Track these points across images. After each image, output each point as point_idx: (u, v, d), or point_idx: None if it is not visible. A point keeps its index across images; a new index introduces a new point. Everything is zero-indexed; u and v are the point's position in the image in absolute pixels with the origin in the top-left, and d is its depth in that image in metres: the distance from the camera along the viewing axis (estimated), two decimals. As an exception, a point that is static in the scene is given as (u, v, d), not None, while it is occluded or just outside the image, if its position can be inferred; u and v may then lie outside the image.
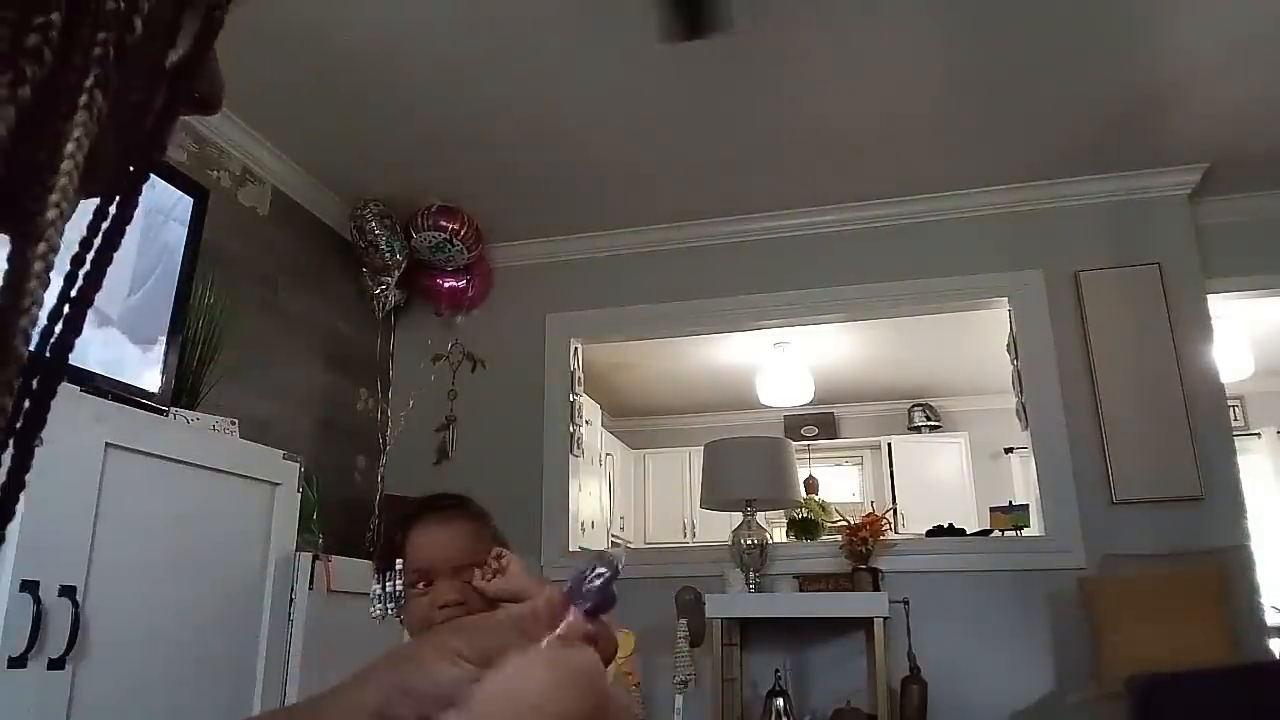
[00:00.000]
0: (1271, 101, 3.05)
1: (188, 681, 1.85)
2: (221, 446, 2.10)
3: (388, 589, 1.23)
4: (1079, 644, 3.08)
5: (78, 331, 0.36)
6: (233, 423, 2.30)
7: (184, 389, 2.36)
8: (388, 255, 3.60)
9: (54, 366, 0.36)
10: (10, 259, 0.30)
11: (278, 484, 2.17)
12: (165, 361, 2.14)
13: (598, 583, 0.42)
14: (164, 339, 2.15)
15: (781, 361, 5.69)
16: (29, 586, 1.48)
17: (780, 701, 3.08)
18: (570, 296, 3.99)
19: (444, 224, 3.61)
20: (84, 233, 0.37)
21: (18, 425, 0.31)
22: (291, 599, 2.16)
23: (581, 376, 4.04)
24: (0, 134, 0.28)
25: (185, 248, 2.21)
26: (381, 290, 3.70)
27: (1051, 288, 3.54)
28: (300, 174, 3.46)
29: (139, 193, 0.39)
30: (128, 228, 0.38)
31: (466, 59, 2.79)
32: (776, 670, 3.17)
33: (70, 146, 0.30)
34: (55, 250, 0.30)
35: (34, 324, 0.29)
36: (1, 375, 0.29)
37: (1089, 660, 3.02)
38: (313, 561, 2.22)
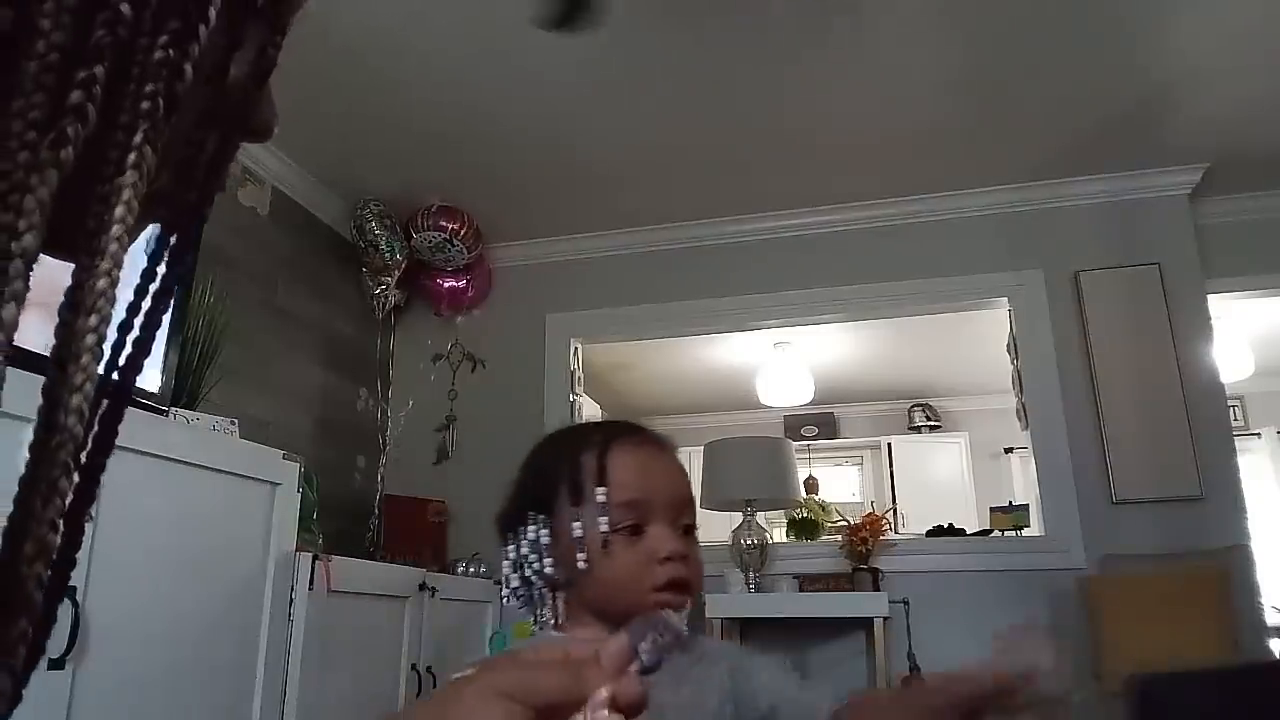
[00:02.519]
0: (1271, 101, 3.05)
1: (188, 681, 1.85)
2: (221, 446, 2.10)
3: (575, 532, 0.85)
4: (1079, 644, 3.08)
5: (128, 398, 0.34)
6: (233, 423, 2.30)
7: (184, 389, 2.36)
8: (388, 255, 3.60)
9: (104, 439, 0.34)
10: (58, 332, 0.28)
11: (278, 484, 2.17)
12: (165, 361, 2.14)
13: (661, 647, 0.38)
14: (164, 339, 2.15)
15: (781, 361, 5.69)
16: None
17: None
18: (570, 296, 3.99)
19: (444, 224, 3.61)
20: (131, 295, 0.34)
21: (68, 502, 0.29)
22: (291, 599, 2.16)
23: (581, 376, 4.04)
24: (42, 198, 0.26)
25: (185, 248, 2.21)
26: (381, 290, 3.70)
27: (1051, 288, 3.54)
28: (300, 174, 3.46)
29: (196, 233, 0.36)
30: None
31: (466, 59, 2.79)
32: (776, 670, 3.16)
33: (120, 210, 0.28)
34: (107, 321, 0.28)
35: (88, 400, 0.28)
36: (57, 455, 0.27)
37: (1089, 660, 3.02)
38: (313, 561, 2.22)
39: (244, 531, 2.08)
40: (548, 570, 0.88)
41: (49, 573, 0.28)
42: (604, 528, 0.86)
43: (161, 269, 0.36)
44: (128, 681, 1.69)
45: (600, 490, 0.86)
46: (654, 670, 0.39)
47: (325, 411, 3.61)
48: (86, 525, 0.31)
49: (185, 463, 1.89)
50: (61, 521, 0.29)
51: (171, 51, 0.30)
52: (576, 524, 0.86)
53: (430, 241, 3.65)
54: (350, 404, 3.79)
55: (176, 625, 1.83)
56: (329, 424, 3.61)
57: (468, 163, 3.40)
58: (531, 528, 0.89)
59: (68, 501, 0.29)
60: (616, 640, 0.39)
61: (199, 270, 2.29)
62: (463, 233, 3.65)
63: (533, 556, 0.89)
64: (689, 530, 0.90)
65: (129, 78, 0.29)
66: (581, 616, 0.89)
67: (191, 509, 1.90)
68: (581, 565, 0.86)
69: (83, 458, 0.32)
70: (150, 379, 2.07)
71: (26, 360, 0.53)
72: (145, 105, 0.29)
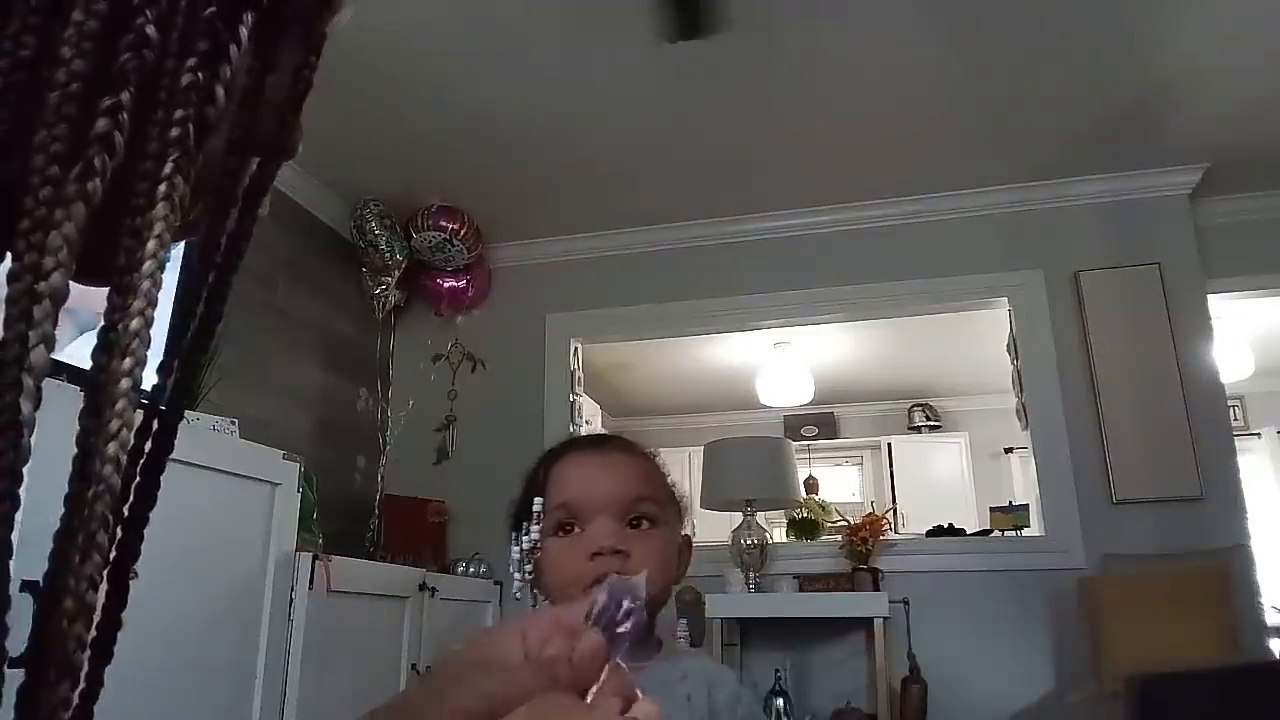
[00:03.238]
0: (1271, 101, 3.05)
1: (188, 682, 1.85)
2: (221, 446, 2.10)
3: (525, 545, 0.92)
4: (1079, 644, 3.08)
5: (171, 444, 0.33)
6: (233, 423, 2.29)
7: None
8: (388, 255, 3.60)
9: (146, 489, 0.32)
10: (91, 375, 0.26)
11: (278, 484, 2.17)
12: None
13: (629, 622, 0.35)
14: (164, 339, 2.15)
15: (781, 361, 5.69)
16: (30, 587, 1.48)
17: (780, 701, 3.08)
18: (570, 296, 3.99)
19: (444, 224, 3.61)
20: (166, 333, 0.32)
21: (111, 558, 0.28)
22: (291, 599, 2.16)
23: (581, 376, 4.04)
24: (69, 234, 0.24)
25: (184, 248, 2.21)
26: (381, 290, 3.70)
27: (1051, 288, 3.54)
28: (300, 174, 3.46)
29: (237, 269, 0.34)
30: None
31: (467, 59, 2.79)
32: (776, 670, 3.17)
33: (152, 245, 0.27)
34: (143, 364, 0.27)
35: (126, 448, 0.27)
36: (94, 508, 0.26)
37: (1089, 660, 3.02)
38: (313, 561, 2.22)
39: (244, 531, 2.08)
40: (523, 581, 0.94)
41: (92, 634, 0.27)
42: (535, 535, 0.92)
43: (200, 307, 0.34)
44: (128, 681, 1.68)
45: (538, 500, 0.93)
46: (625, 639, 0.36)
47: (325, 411, 3.61)
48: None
49: (185, 463, 1.89)
50: (104, 578, 0.27)
51: (201, 74, 0.28)
52: (526, 537, 0.93)
53: (430, 241, 3.65)
54: (350, 404, 3.79)
55: (176, 625, 1.83)
56: (329, 424, 3.61)
57: (468, 163, 3.40)
58: (513, 547, 0.95)
59: (110, 556, 0.27)
60: (589, 639, 0.35)
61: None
62: (463, 233, 3.65)
63: (513, 572, 0.95)
64: (644, 526, 0.91)
65: (157, 104, 0.28)
66: None
67: (191, 509, 1.90)
68: (528, 575, 0.93)
69: (125, 510, 0.30)
70: (149, 379, 2.07)
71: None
72: (175, 132, 0.28)
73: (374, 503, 3.64)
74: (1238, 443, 3.50)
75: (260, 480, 2.13)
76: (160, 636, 1.78)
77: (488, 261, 3.99)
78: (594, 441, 1.00)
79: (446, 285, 3.87)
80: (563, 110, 3.07)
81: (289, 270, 3.45)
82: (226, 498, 2.03)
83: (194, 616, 1.88)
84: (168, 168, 0.27)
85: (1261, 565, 3.11)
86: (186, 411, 2.19)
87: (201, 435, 2.13)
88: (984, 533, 3.69)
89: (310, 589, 2.18)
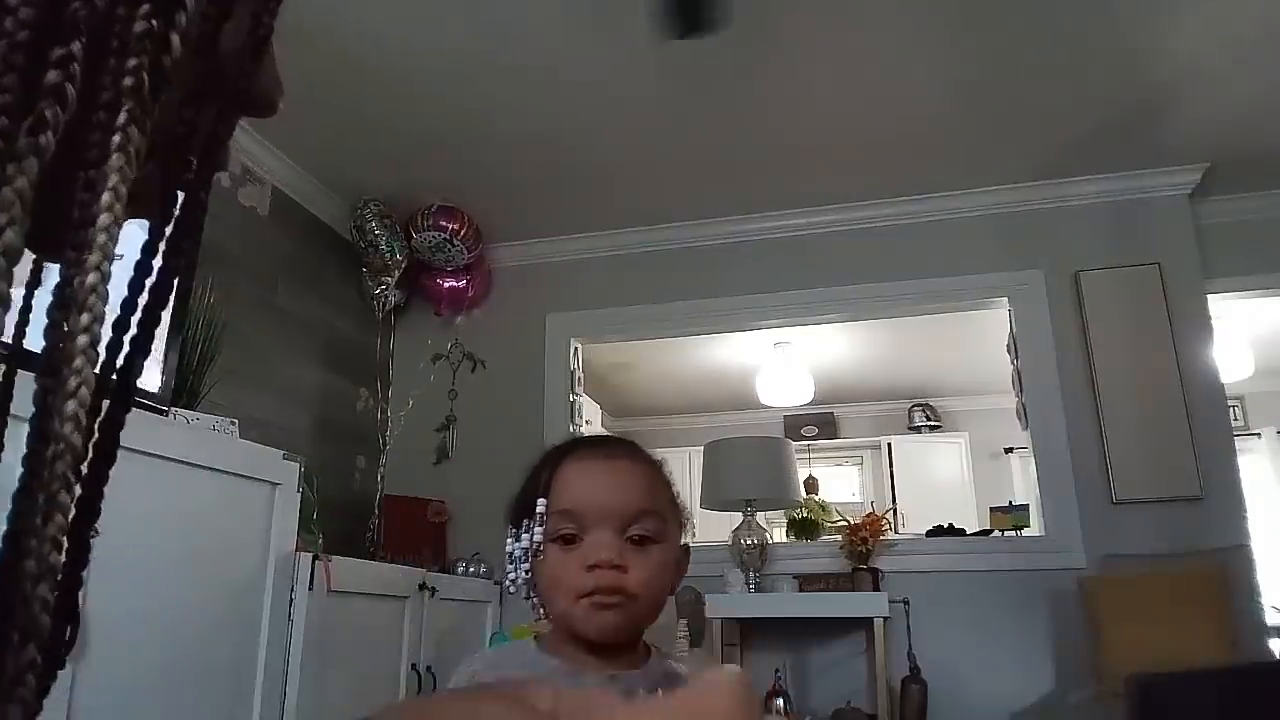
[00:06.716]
0: (1271, 101, 3.05)
1: (188, 681, 1.85)
2: (221, 446, 2.10)
3: (523, 544, 0.91)
4: (1079, 644, 3.08)
5: (130, 402, 0.32)
6: (233, 423, 2.29)
7: (184, 389, 2.36)
8: (388, 255, 3.60)
9: (105, 448, 0.31)
10: (48, 333, 0.26)
11: (278, 484, 2.17)
12: (165, 361, 2.14)
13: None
14: (164, 339, 2.15)
15: (781, 361, 5.69)
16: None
17: (780, 701, 3.08)
18: (570, 296, 3.99)
19: (444, 224, 3.61)
20: (126, 290, 0.31)
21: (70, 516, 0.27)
22: (291, 599, 2.16)
23: (581, 376, 4.04)
24: (22, 189, 0.24)
25: (185, 248, 2.21)
26: (381, 290, 3.70)
27: (1051, 288, 3.54)
28: (300, 174, 3.46)
29: (199, 225, 0.33)
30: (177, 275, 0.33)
31: (466, 59, 2.79)
32: (776, 670, 3.17)
33: (106, 198, 0.26)
34: (100, 319, 0.26)
35: (85, 406, 0.26)
36: (55, 467, 0.25)
37: (1089, 660, 3.02)
38: (313, 561, 2.22)
39: (244, 531, 2.08)
40: (520, 580, 0.92)
41: (55, 594, 0.26)
42: (538, 537, 0.90)
43: (158, 260, 0.32)
44: (128, 682, 1.69)
45: (541, 502, 0.91)
46: None
47: (325, 411, 3.61)
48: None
49: (185, 463, 1.89)
50: (65, 538, 0.26)
51: (155, 22, 0.27)
52: (526, 535, 0.91)
53: (430, 241, 3.65)
54: (350, 404, 3.79)
55: (176, 625, 1.83)
56: (329, 424, 3.61)
57: (468, 163, 3.40)
58: (509, 540, 0.94)
59: (70, 517, 0.27)
60: None
61: (199, 270, 2.29)
62: (463, 233, 3.65)
63: (509, 566, 0.93)
64: (644, 541, 0.90)
65: (109, 53, 0.27)
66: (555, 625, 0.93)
67: (191, 509, 1.90)
68: (525, 575, 0.91)
69: (84, 468, 0.29)
70: (150, 379, 2.07)
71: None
72: (128, 81, 0.27)
73: (374, 503, 3.64)
74: (1238, 443, 3.50)
75: (260, 480, 2.13)
76: (161, 636, 1.78)
77: (488, 261, 3.99)
78: (601, 445, 0.97)
79: (446, 285, 3.87)
80: (562, 110, 3.07)
81: (289, 270, 3.45)
82: (226, 498, 2.03)
83: (194, 616, 1.88)
84: (122, 118, 0.26)
85: (1261, 565, 3.11)
86: (187, 411, 2.20)
87: (201, 435, 2.13)
88: (984, 533, 3.69)
89: (310, 589, 2.19)
